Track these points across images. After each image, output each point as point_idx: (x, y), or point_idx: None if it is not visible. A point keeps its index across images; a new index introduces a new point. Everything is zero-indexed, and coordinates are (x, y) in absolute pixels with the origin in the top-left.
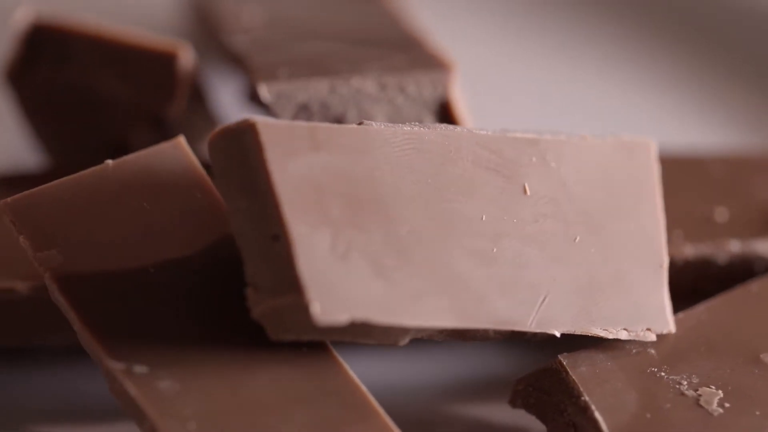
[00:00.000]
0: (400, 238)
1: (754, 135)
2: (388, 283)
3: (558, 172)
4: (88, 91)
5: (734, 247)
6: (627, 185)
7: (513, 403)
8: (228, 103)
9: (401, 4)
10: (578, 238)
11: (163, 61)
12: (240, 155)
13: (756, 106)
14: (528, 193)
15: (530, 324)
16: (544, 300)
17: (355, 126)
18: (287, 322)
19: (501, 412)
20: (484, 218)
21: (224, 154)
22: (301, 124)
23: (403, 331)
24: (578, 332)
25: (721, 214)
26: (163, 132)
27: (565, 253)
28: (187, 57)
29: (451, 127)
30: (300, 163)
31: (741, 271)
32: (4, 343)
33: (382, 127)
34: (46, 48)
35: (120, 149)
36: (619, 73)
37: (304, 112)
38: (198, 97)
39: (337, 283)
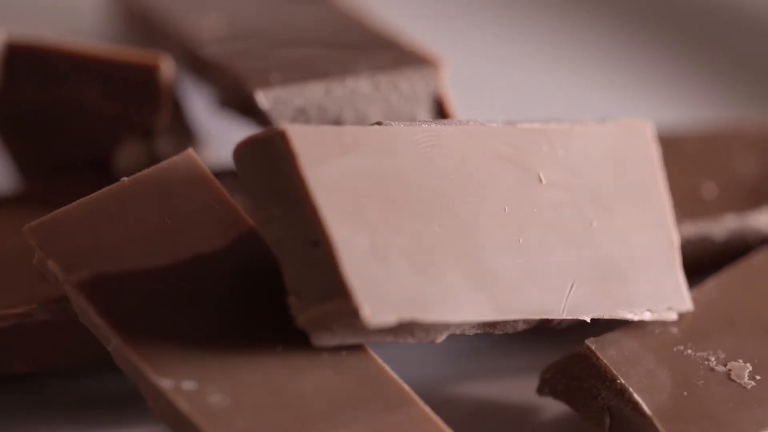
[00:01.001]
0: (433, 235)
1: (718, 111)
2: (428, 280)
3: (568, 158)
4: (70, 110)
5: (730, 222)
6: (632, 167)
7: (541, 391)
8: (198, 112)
9: (360, 7)
10: (594, 223)
11: (146, 73)
12: (271, 163)
13: (717, 83)
14: (543, 181)
15: (562, 311)
16: (572, 286)
17: (378, 127)
18: (333, 327)
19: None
20: (506, 210)
21: (253, 163)
22: (329, 128)
23: (445, 327)
24: (606, 316)
25: (708, 190)
26: (149, 144)
27: (584, 238)
28: (167, 67)
29: (463, 121)
30: (332, 167)
31: (736, 246)
32: (19, 369)
33: (402, 126)
34: (24, 68)
35: (104, 166)
36: (584, 59)
37: (301, 116)
38: (176, 107)
39: (381, 284)
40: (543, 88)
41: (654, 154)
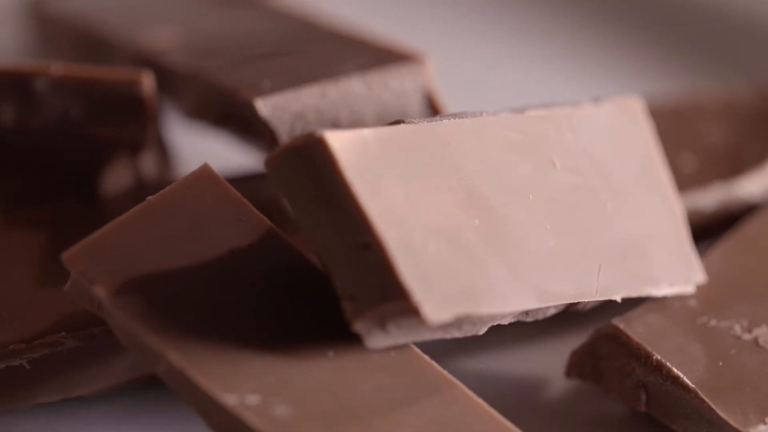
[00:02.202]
0: (474, 228)
1: (670, 84)
2: (474, 273)
3: (575, 142)
4: (54, 135)
5: (716, 192)
6: (631, 145)
7: (569, 374)
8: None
9: (311, 11)
10: (608, 204)
11: (130, 89)
12: (312, 171)
13: (667, 57)
14: (557, 166)
15: (595, 293)
16: (600, 268)
17: (405, 126)
18: (389, 328)
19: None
20: (530, 197)
21: (292, 172)
22: (363, 131)
23: (491, 318)
24: (633, 295)
25: (687, 162)
26: (136, 163)
27: (602, 219)
28: (148, 82)
29: (476, 113)
30: (371, 168)
31: (723, 216)
32: (43, 400)
33: (424, 122)
34: (3, 94)
35: (89, 190)
36: (544, 44)
37: (299, 121)
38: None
39: (434, 281)
40: (513, 74)
41: (649, 130)
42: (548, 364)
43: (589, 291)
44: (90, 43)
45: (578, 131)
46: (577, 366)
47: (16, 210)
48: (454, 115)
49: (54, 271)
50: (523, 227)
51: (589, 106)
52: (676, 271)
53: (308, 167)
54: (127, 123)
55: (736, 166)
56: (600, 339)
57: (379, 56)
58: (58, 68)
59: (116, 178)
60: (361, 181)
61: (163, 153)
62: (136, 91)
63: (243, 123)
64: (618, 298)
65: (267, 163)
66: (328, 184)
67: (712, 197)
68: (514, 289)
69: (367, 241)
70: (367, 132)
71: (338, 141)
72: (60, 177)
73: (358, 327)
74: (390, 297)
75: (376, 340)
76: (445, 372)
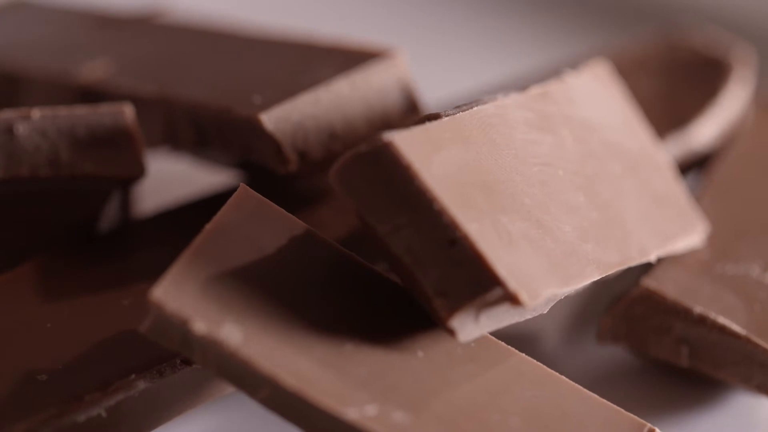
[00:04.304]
0: (527, 210)
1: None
2: (544, 255)
3: (573, 113)
4: (46, 180)
5: (672, 145)
6: (613, 108)
7: (602, 339)
8: None
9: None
10: (616, 169)
11: (113, 119)
12: (383, 175)
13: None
14: (568, 140)
15: (637, 257)
16: (631, 232)
17: (447, 119)
18: (481, 319)
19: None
20: (561, 173)
21: (363, 179)
22: (421, 128)
23: (561, 296)
24: (663, 254)
25: None
26: (127, 195)
27: (616, 184)
28: (130, 111)
29: (493, 97)
30: (438, 164)
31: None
32: None
33: (459, 113)
34: None
35: (89, 227)
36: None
37: (299, 130)
38: None
39: (520, 267)
40: (469, 54)
41: (620, 92)
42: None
43: (632, 256)
44: (5, 83)
45: (572, 103)
46: (611, 330)
47: (19, 259)
48: (477, 102)
49: (95, 315)
50: (570, 201)
51: (570, 77)
52: (686, 225)
53: (379, 173)
54: (118, 154)
55: (678, 117)
56: (633, 301)
57: (356, 57)
58: (36, 112)
59: (112, 213)
60: (433, 178)
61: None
62: (120, 120)
63: (233, 141)
64: (653, 259)
65: (335, 173)
66: (403, 186)
67: (667, 152)
68: (578, 264)
69: (453, 236)
70: (422, 129)
71: (405, 142)
72: (58, 221)
73: (454, 322)
74: (485, 288)
75: (469, 333)
76: (522, 354)
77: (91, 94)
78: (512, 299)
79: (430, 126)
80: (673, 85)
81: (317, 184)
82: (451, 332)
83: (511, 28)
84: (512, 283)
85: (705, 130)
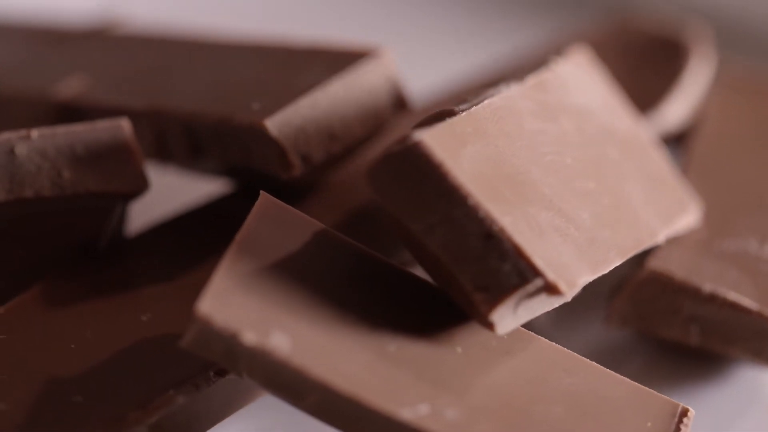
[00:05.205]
0: (550, 201)
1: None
2: (571, 243)
3: (565, 101)
4: (50, 201)
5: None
6: (602, 94)
7: (611, 322)
8: None
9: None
10: (614, 153)
11: (112, 133)
12: (416, 174)
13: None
14: (568, 128)
15: (648, 239)
16: (638, 216)
17: (465, 114)
18: (518, 311)
19: None
20: (569, 161)
21: (396, 178)
22: (445, 125)
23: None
24: (672, 232)
25: None
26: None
27: (617, 169)
28: (128, 125)
29: (498, 89)
30: (466, 159)
31: None
32: None
33: (473, 108)
34: None
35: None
36: None
37: (301, 134)
38: None
39: (554, 257)
40: (448, 46)
41: (601, 77)
42: None
43: (643, 239)
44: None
45: (565, 91)
46: (619, 314)
47: (24, 280)
48: (485, 95)
49: (117, 333)
50: (582, 188)
51: (556, 65)
52: (682, 203)
53: (411, 172)
54: (120, 169)
55: (643, 100)
56: (641, 284)
57: (345, 58)
58: (35, 132)
59: (111, 228)
60: (466, 173)
61: None
62: (119, 134)
63: (231, 149)
64: (662, 241)
65: (369, 174)
66: (435, 183)
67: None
68: (605, 248)
69: (489, 230)
70: (449, 125)
71: (433, 139)
72: (61, 240)
73: (494, 316)
74: (525, 280)
75: (506, 325)
76: (547, 340)
77: (73, 112)
78: (552, 289)
79: (452, 122)
80: (633, 69)
81: (304, 182)
82: (490, 326)
83: (459, 19)
84: (551, 273)
85: (673, 111)
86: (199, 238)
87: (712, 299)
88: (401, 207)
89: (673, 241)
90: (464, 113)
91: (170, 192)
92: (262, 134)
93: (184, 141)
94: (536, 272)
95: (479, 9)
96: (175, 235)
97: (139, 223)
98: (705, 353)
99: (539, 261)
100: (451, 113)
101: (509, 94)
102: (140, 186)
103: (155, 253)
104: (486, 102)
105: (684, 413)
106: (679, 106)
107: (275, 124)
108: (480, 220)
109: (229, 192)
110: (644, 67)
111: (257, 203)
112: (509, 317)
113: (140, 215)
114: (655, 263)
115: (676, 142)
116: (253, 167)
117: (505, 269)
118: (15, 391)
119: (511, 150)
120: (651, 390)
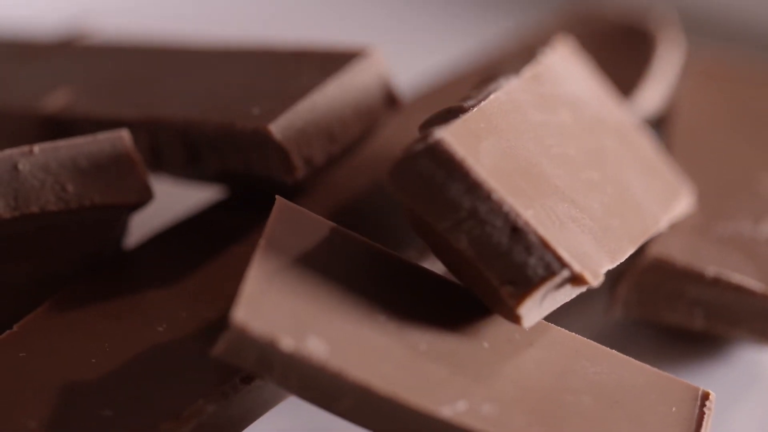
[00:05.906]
0: (564, 193)
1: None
2: (588, 233)
3: (563, 92)
4: (57, 215)
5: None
6: (590, 83)
7: (614, 311)
8: None
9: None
10: (610, 143)
11: (113, 144)
12: (438, 171)
13: None
14: (566, 119)
15: (653, 226)
16: (640, 203)
17: (476, 110)
18: (543, 304)
19: None
20: (573, 152)
21: (418, 178)
22: (461, 121)
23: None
24: (671, 218)
25: None
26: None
27: (616, 157)
28: (128, 136)
29: (499, 84)
30: (485, 155)
31: None
32: None
33: (483, 102)
34: None
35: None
36: None
37: (302, 137)
38: None
39: (577, 248)
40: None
41: (586, 67)
42: None
43: (648, 226)
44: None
45: (558, 82)
46: (622, 302)
47: (31, 295)
48: (488, 90)
49: (135, 345)
50: (589, 178)
51: (544, 57)
52: (676, 189)
53: (433, 170)
54: (123, 180)
55: (614, 89)
56: (644, 271)
57: (337, 59)
58: (36, 147)
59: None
60: (487, 169)
61: None
62: (120, 145)
63: (231, 155)
64: (665, 227)
65: (391, 174)
66: (459, 180)
67: None
68: (618, 237)
69: (514, 224)
70: (464, 121)
71: (453, 137)
72: (67, 253)
73: (522, 309)
74: (552, 272)
75: (532, 318)
76: (566, 330)
77: (63, 125)
78: (578, 280)
79: (467, 119)
80: (600, 58)
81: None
82: (518, 319)
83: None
84: (576, 265)
85: (647, 98)
86: (200, 245)
87: (716, 283)
88: (425, 206)
89: (672, 228)
90: (475, 109)
91: (163, 200)
92: (266, 139)
93: (180, 149)
94: (563, 264)
95: (444, 4)
96: (176, 244)
97: (135, 232)
98: (704, 336)
99: (564, 253)
100: (459, 109)
101: (510, 87)
102: (144, 196)
103: (159, 263)
104: (492, 97)
105: (706, 396)
106: (652, 94)
107: (279, 128)
108: (505, 214)
109: (224, 198)
110: (612, 57)
111: (275, 208)
112: (535, 310)
113: (135, 225)
114: (657, 250)
115: (651, 130)
116: (253, 172)
117: (532, 262)
118: (42, 409)
119: (521, 143)
120: (672, 375)
